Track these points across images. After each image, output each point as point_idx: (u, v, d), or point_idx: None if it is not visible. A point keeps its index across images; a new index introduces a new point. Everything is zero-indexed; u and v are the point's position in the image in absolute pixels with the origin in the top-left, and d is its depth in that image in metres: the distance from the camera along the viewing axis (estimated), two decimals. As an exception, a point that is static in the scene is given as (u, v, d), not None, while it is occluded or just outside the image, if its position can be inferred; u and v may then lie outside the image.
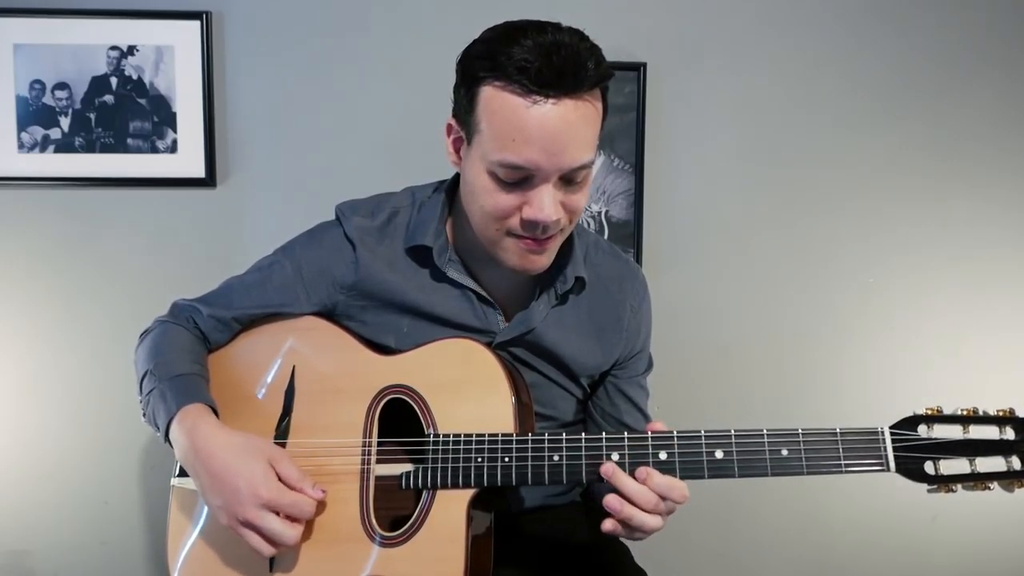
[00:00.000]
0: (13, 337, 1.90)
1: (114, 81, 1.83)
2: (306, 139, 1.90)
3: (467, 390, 1.19)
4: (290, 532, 1.12)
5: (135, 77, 1.83)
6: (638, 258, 1.94)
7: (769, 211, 1.99)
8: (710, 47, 1.94)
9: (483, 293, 1.27)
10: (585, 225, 1.79)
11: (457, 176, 1.25)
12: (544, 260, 1.18)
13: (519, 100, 1.05)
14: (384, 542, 1.16)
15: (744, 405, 2.01)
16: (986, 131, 1.98)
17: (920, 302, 2.02)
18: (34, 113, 1.83)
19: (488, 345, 1.23)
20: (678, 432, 1.10)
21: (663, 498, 1.08)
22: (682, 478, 1.10)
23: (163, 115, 1.85)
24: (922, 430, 1.06)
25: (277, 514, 1.12)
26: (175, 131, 1.85)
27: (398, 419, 1.21)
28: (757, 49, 1.95)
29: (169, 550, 1.26)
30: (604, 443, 1.12)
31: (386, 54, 1.89)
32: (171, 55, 1.83)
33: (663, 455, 1.10)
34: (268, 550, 1.13)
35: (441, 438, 1.17)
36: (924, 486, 1.06)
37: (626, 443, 1.11)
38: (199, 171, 1.86)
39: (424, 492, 1.17)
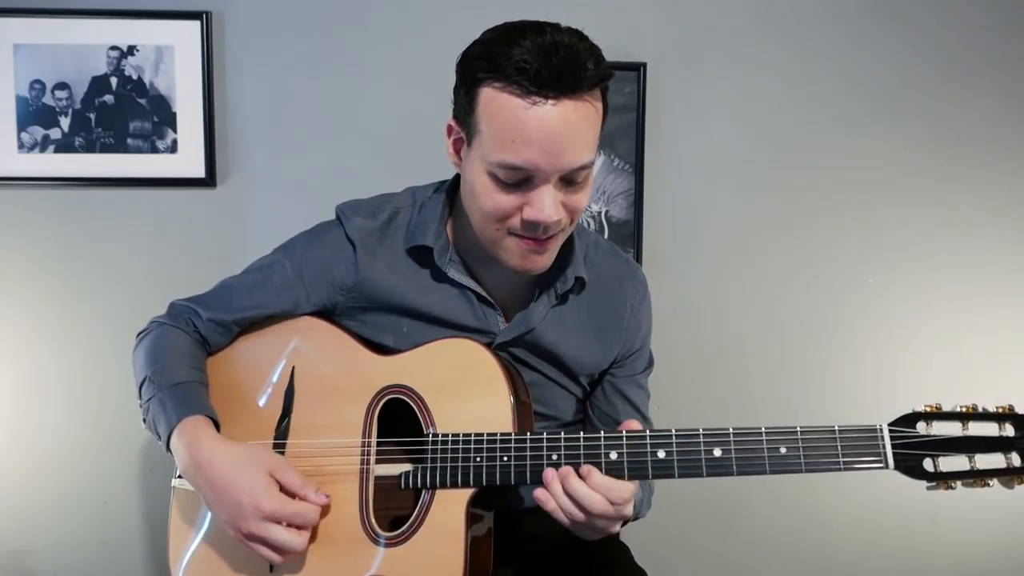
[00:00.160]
0: (13, 337, 1.90)
1: (114, 81, 1.83)
2: (306, 139, 1.90)
3: (466, 390, 1.18)
4: (296, 540, 1.13)
5: (135, 77, 1.83)
6: (638, 258, 1.94)
7: (769, 211, 1.99)
8: (710, 47, 1.94)
9: (483, 293, 1.27)
10: (585, 225, 1.78)
11: (458, 177, 1.25)
12: (545, 260, 1.18)
13: (518, 101, 1.05)
14: (383, 542, 1.16)
15: (744, 405, 2.01)
16: (986, 131, 1.98)
17: (920, 302, 2.02)
18: (34, 113, 1.83)
19: (488, 345, 1.23)
20: (676, 430, 1.10)
21: (610, 501, 1.08)
22: (680, 476, 1.10)
23: (163, 115, 1.85)
24: (921, 427, 1.06)
25: (282, 524, 1.12)
26: (175, 131, 1.85)
27: (397, 419, 1.21)
28: (757, 49, 1.95)
29: (170, 552, 1.26)
30: (602, 442, 1.11)
31: (386, 54, 1.89)
32: (171, 55, 1.84)
33: (661, 453, 1.10)
34: (277, 559, 1.14)
35: (440, 438, 1.17)
36: (923, 483, 1.06)
37: (624, 442, 1.11)
38: (199, 171, 1.86)
39: (423, 492, 1.17)
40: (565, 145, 1.06)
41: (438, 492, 1.16)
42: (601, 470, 1.10)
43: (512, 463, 1.13)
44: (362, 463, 1.20)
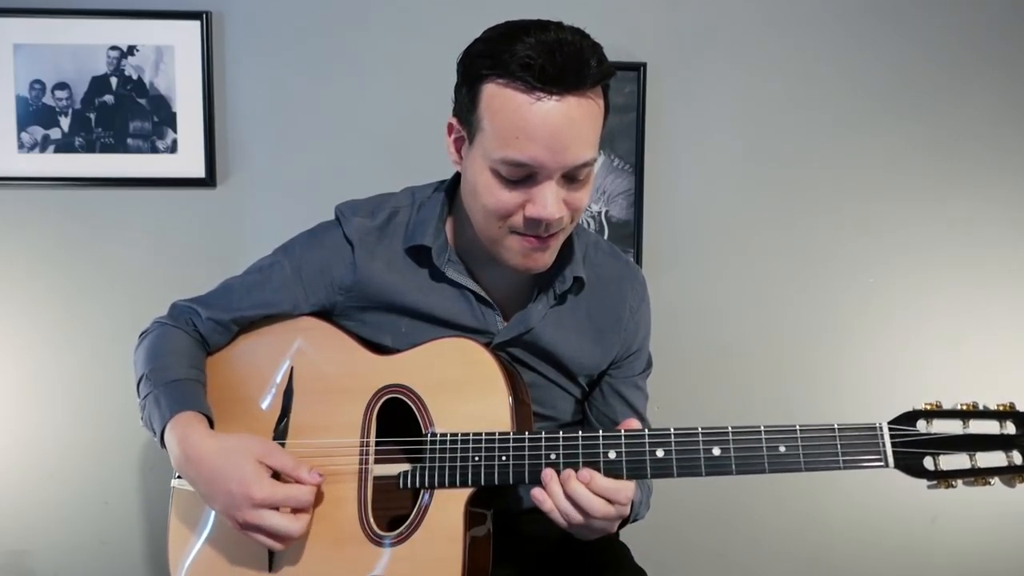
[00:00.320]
0: (13, 337, 1.90)
1: (114, 81, 1.83)
2: (306, 139, 1.90)
3: (465, 390, 1.18)
4: (293, 525, 1.12)
5: (135, 77, 1.84)
6: (638, 258, 1.94)
7: (769, 211, 1.99)
8: (710, 47, 1.94)
9: (482, 293, 1.26)
10: (585, 225, 1.78)
11: (457, 176, 1.25)
12: (546, 258, 1.18)
13: (522, 97, 1.05)
14: (382, 542, 1.16)
15: (744, 405, 2.01)
16: (986, 131, 1.98)
17: (920, 302, 2.02)
18: (34, 113, 1.83)
19: (487, 345, 1.23)
20: (675, 429, 1.10)
21: (611, 501, 1.08)
22: (679, 476, 1.09)
23: (163, 115, 1.85)
24: (921, 425, 1.05)
25: (277, 509, 1.12)
26: (175, 131, 1.85)
27: (396, 419, 1.21)
28: (757, 49, 1.95)
29: (170, 552, 1.26)
30: (601, 441, 1.11)
31: (386, 54, 1.89)
32: (171, 55, 1.84)
33: (660, 452, 1.10)
34: (277, 546, 1.13)
35: (439, 437, 1.16)
36: (924, 482, 1.05)
37: (623, 441, 1.11)
38: (199, 171, 1.86)
39: (422, 492, 1.16)
40: (568, 142, 1.06)
41: (437, 492, 1.16)
42: (600, 469, 1.10)
43: (511, 462, 1.13)
44: (361, 463, 1.20)
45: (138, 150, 1.85)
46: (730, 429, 1.09)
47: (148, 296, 1.82)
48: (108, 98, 1.84)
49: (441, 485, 1.15)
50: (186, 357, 1.27)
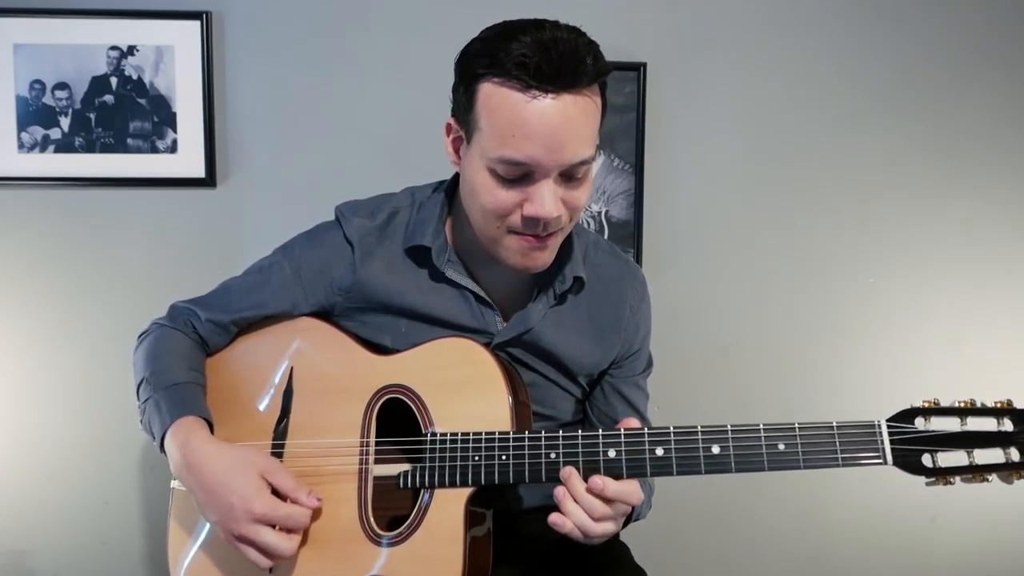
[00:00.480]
0: (13, 337, 1.90)
1: (114, 81, 1.84)
2: (306, 139, 1.90)
3: (465, 390, 1.18)
4: (286, 544, 1.12)
5: (135, 77, 1.84)
6: (638, 258, 1.94)
7: (769, 211, 1.99)
8: (710, 47, 1.94)
9: (481, 293, 1.26)
10: (585, 225, 1.79)
11: (457, 176, 1.25)
12: (546, 257, 1.18)
13: (518, 95, 1.05)
14: (382, 542, 1.16)
15: (744, 405, 2.01)
16: (986, 131, 1.99)
17: (920, 302, 2.02)
18: (34, 113, 1.83)
19: (486, 345, 1.23)
20: (674, 428, 1.10)
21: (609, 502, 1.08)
22: (679, 474, 1.09)
23: (163, 115, 1.85)
24: (919, 423, 1.06)
25: (274, 527, 1.12)
26: (175, 131, 1.85)
27: (396, 419, 1.21)
28: (757, 49, 1.95)
29: (169, 553, 1.26)
30: (600, 440, 1.11)
31: (386, 54, 1.89)
32: (171, 55, 1.84)
33: (660, 451, 1.10)
34: (265, 563, 1.13)
35: (438, 437, 1.16)
36: (922, 479, 1.06)
37: (623, 440, 1.11)
38: (199, 171, 1.86)
39: (422, 492, 1.16)
40: (565, 140, 1.06)
41: (437, 492, 1.15)
42: (599, 468, 1.10)
43: (511, 462, 1.13)
44: (361, 463, 1.20)
45: (138, 150, 1.85)
46: (729, 427, 1.09)
47: (148, 296, 1.82)
48: (108, 98, 1.84)
49: (441, 485, 1.15)
50: (186, 359, 1.27)
